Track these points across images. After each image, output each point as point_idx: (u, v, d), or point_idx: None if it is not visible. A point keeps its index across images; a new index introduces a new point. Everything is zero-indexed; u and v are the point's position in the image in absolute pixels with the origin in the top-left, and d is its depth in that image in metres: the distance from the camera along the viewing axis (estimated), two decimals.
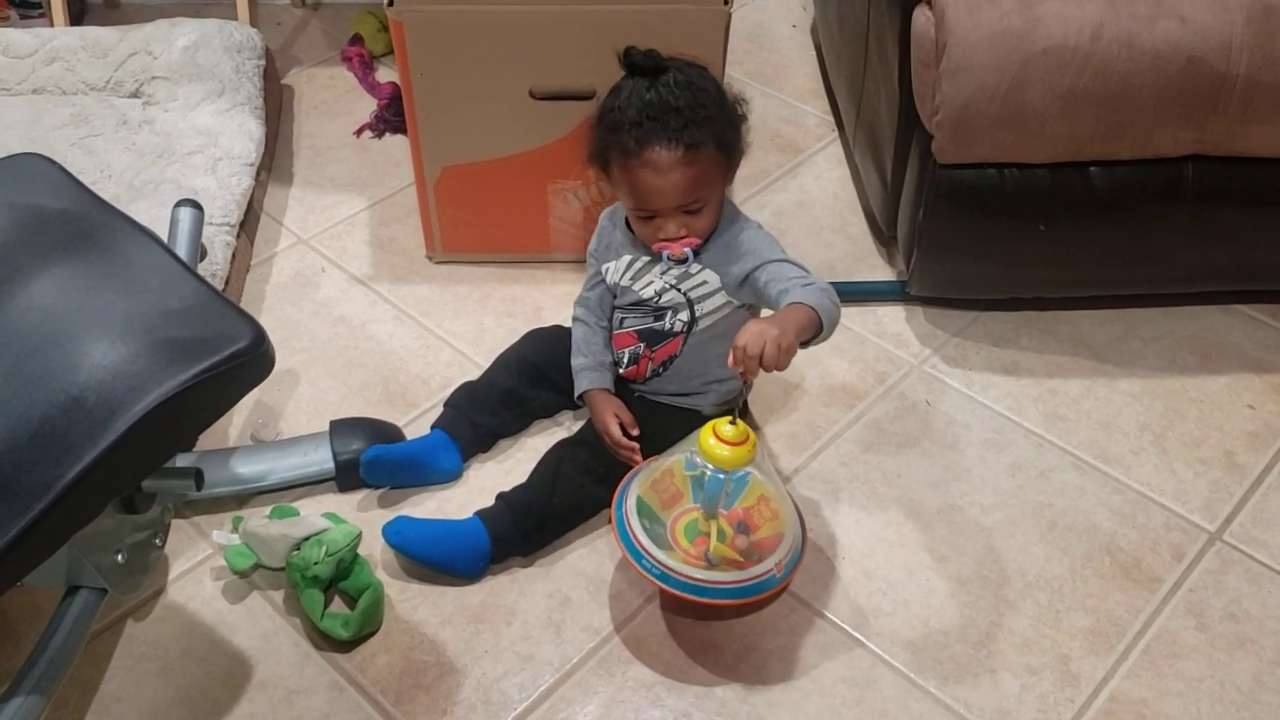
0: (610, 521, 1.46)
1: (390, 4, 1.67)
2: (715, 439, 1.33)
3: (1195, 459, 1.70)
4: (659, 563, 1.37)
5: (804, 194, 2.16)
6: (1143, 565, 1.56)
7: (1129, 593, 1.53)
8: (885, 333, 1.89)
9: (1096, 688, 1.43)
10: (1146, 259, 1.80)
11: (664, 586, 1.38)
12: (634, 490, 1.45)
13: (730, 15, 1.68)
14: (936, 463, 1.69)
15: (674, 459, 1.46)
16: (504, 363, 1.72)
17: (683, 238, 1.46)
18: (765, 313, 1.50)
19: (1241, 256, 1.82)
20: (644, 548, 1.39)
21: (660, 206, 1.44)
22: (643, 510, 1.43)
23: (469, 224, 1.95)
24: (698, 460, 1.39)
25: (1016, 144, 1.66)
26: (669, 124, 1.40)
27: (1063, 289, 1.90)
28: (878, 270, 2.01)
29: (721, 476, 1.37)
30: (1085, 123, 1.63)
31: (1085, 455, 1.70)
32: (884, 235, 1.98)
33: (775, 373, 1.29)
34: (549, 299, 1.93)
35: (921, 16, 1.65)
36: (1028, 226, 1.74)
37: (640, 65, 1.44)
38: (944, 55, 1.60)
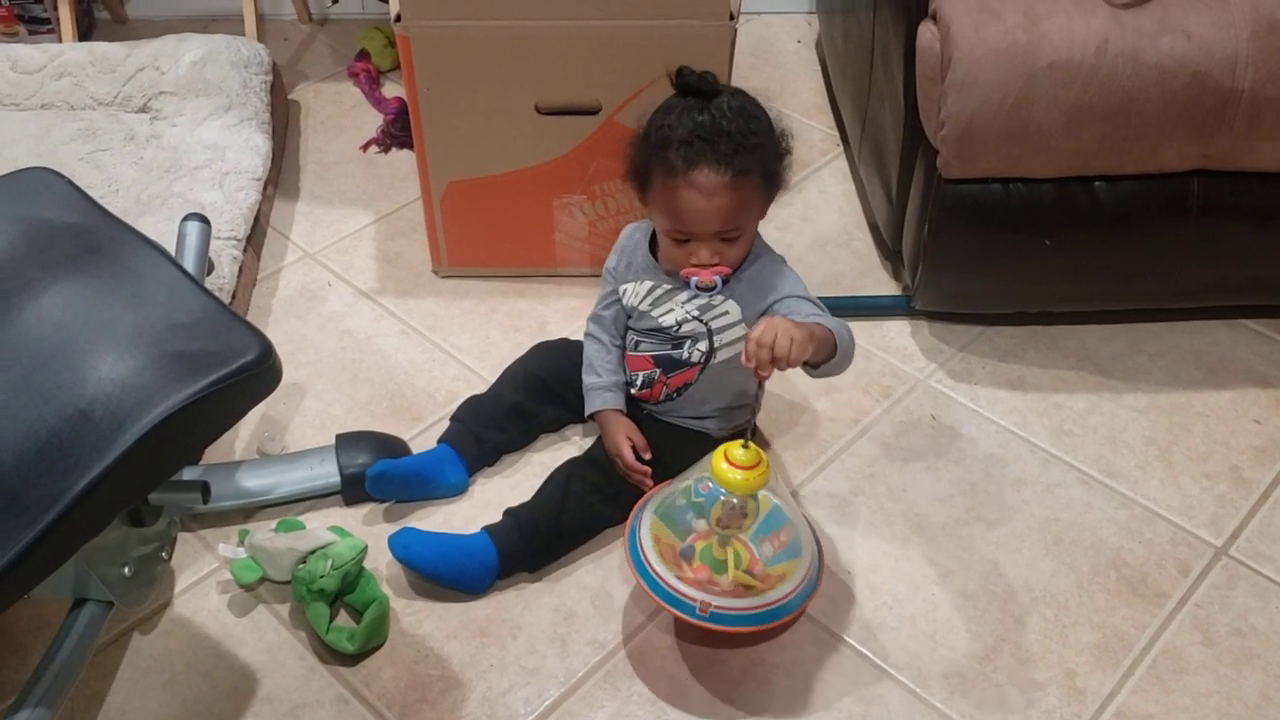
0: (624, 549, 1.44)
1: (397, 19, 1.68)
2: (727, 463, 1.32)
3: (1201, 474, 1.70)
4: (673, 589, 1.36)
5: (809, 209, 2.17)
6: (1149, 580, 1.56)
7: (1135, 608, 1.53)
8: (890, 347, 1.89)
9: (1103, 703, 1.43)
10: (1152, 274, 1.81)
11: (678, 614, 1.36)
12: (647, 518, 1.44)
13: (735, 30, 1.68)
14: (942, 477, 1.69)
15: (683, 485, 1.44)
16: (511, 377, 1.72)
17: (713, 265, 1.44)
18: None
19: (1247, 271, 1.82)
20: (658, 574, 1.38)
21: (699, 230, 1.42)
22: (675, 524, 1.43)
23: (475, 238, 1.95)
24: (703, 488, 1.38)
25: (1021, 159, 1.66)
26: (720, 147, 1.38)
27: (1068, 304, 1.90)
28: (883, 285, 2.01)
29: (736, 501, 1.36)
30: (1090, 138, 1.63)
31: (1091, 470, 1.70)
32: (889, 250, 1.98)
33: (786, 370, 1.28)
34: (555, 313, 1.94)
35: (926, 32, 1.65)
36: (1033, 241, 1.74)
37: (695, 86, 1.42)
38: (949, 70, 1.60)
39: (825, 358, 1.36)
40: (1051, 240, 1.74)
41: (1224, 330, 1.92)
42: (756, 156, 1.41)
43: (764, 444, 1.71)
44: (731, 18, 1.66)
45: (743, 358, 1.28)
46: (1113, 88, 1.59)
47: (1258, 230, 1.75)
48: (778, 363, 1.26)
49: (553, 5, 1.66)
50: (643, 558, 1.40)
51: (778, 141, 1.46)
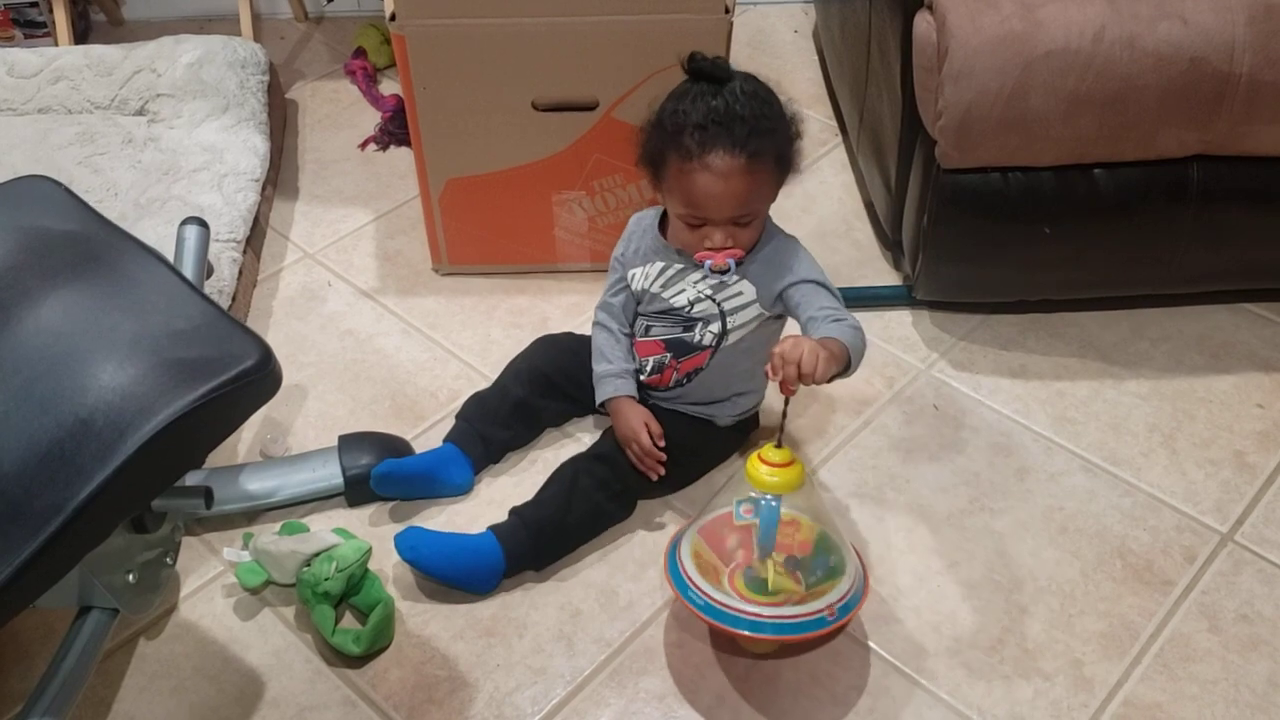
0: (663, 570, 1.43)
1: (393, 18, 1.68)
2: (764, 465, 1.32)
3: (1205, 460, 1.70)
4: (718, 603, 1.34)
5: (808, 199, 2.16)
6: (1154, 568, 1.56)
7: (1141, 595, 1.53)
8: (892, 337, 1.89)
9: (1110, 692, 1.43)
10: (1152, 259, 1.80)
11: (723, 627, 1.34)
12: (686, 543, 1.41)
13: (732, 23, 1.68)
14: (945, 467, 1.69)
15: (722, 511, 1.43)
16: (514, 372, 1.71)
17: (726, 249, 1.44)
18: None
19: (1247, 255, 1.81)
20: (706, 594, 1.35)
21: (713, 214, 1.42)
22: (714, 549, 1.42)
23: (474, 236, 1.95)
24: (744, 511, 1.36)
25: (1020, 148, 1.66)
26: (734, 131, 1.39)
27: (1069, 291, 1.89)
28: (883, 275, 2.00)
29: (775, 504, 1.34)
30: (1088, 125, 1.62)
31: (1094, 457, 1.70)
32: (889, 240, 1.97)
33: (811, 386, 1.29)
34: (556, 309, 1.94)
35: (923, 21, 1.65)
36: (1033, 229, 1.74)
37: (708, 72, 1.42)
38: (946, 60, 1.60)
39: (839, 371, 1.36)
40: (1051, 228, 1.73)
41: (1226, 315, 1.92)
42: (770, 139, 1.41)
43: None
44: (727, 10, 1.66)
45: (769, 370, 1.28)
46: (1110, 75, 1.59)
47: (1258, 214, 1.75)
48: (804, 379, 1.27)
49: (548, 2, 1.66)
50: (685, 578, 1.37)
51: (789, 125, 1.46)
